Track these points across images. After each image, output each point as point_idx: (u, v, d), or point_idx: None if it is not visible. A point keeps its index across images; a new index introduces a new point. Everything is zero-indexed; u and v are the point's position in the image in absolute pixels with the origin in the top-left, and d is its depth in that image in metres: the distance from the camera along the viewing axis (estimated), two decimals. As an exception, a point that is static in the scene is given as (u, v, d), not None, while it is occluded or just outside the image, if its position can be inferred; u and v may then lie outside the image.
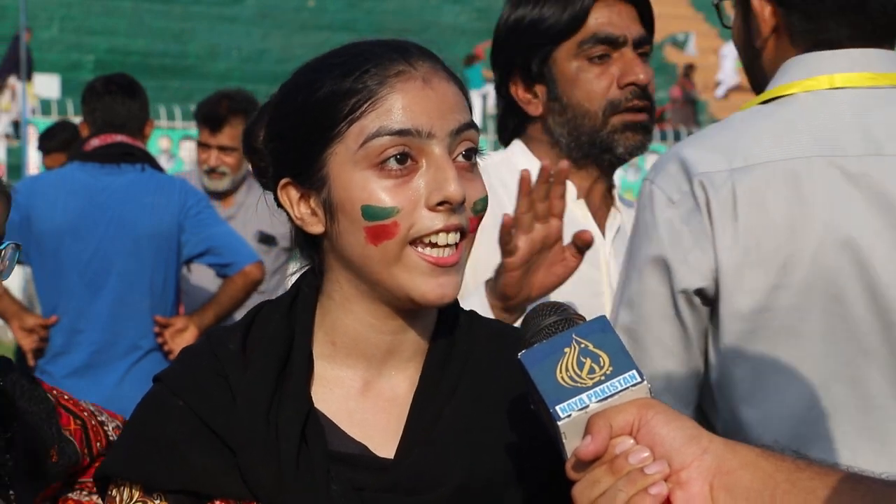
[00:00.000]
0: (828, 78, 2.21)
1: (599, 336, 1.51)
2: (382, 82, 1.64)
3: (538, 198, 2.39)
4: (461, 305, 1.78)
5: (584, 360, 1.49)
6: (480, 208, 1.68)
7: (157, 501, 1.67)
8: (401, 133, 1.62)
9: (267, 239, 5.75)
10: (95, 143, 5.07)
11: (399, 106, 1.63)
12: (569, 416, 1.47)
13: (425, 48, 1.71)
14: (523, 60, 2.75)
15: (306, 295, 1.74)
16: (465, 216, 1.65)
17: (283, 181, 1.71)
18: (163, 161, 14.33)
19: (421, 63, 1.67)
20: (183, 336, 5.01)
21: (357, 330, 1.70)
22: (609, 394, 1.47)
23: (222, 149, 5.71)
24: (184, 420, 1.67)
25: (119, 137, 5.05)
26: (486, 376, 1.70)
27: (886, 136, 2.15)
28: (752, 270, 2.13)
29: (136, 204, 4.97)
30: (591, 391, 1.47)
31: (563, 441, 1.48)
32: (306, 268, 1.77)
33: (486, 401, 1.68)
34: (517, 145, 2.81)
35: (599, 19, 2.71)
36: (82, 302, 4.96)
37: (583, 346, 1.50)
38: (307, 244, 1.74)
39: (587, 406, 1.47)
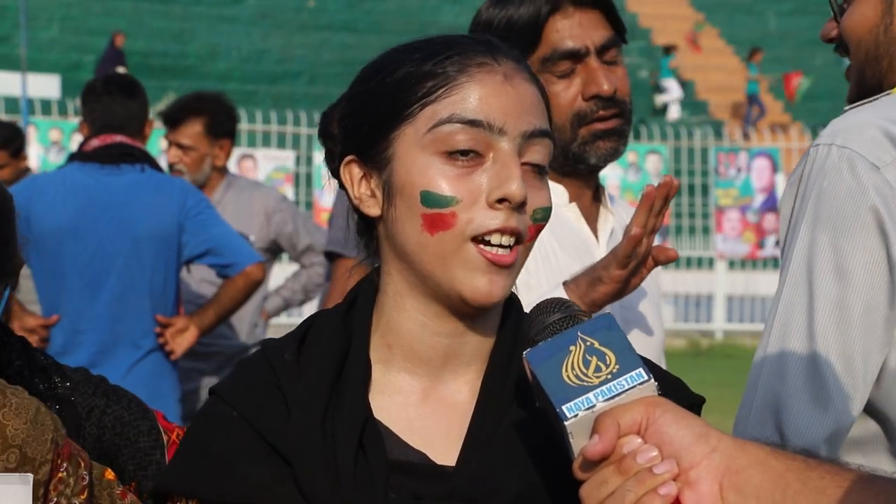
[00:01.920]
0: None
1: (605, 333, 1.48)
2: (462, 70, 1.61)
3: (653, 213, 2.44)
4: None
5: (589, 358, 1.46)
6: (541, 217, 1.63)
7: None
8: (472, 123, 1.59)
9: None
10: (95, 143, 5.05)
11: (475, 96, 1.60)
12: (575, 415, 1.44)
13: (513, 48, 1.68)
14: None
15: (365, 294, 1.70)
16: (525, 221, 1.61)
17: (348, 158, 1.68)
18: (162, 161, 14.30)
19: (505, 59, 1.64)
20: (184, 336, 4.99)
21: (411, 331, 1.66)
22: (616, 392, 1.45)
23: (179, 146, 5.78)
24: (238, 432, 1.63)
25: (119, 138, 5.03)
26: None
27: None
28: None
29: (136, 205, 4.95)
30: (598, 390, 1.45)
31: (570, 440, 1.46)
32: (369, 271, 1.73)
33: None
34: None
35: (559, 32, 2.66)
36: (82, 302, 4.93)
37: (588, 343, 1.47)
38: (365, 230, 1.71)
39: (594, 405, 1.44)
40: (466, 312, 1.64)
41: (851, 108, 2.25)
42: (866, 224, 2.08)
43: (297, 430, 1.61)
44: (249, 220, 5.76)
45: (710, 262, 18.88)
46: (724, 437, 1.44)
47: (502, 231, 1.59)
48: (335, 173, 1.73)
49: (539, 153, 1.63)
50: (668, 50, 26.95)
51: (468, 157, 1.60)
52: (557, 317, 1.53)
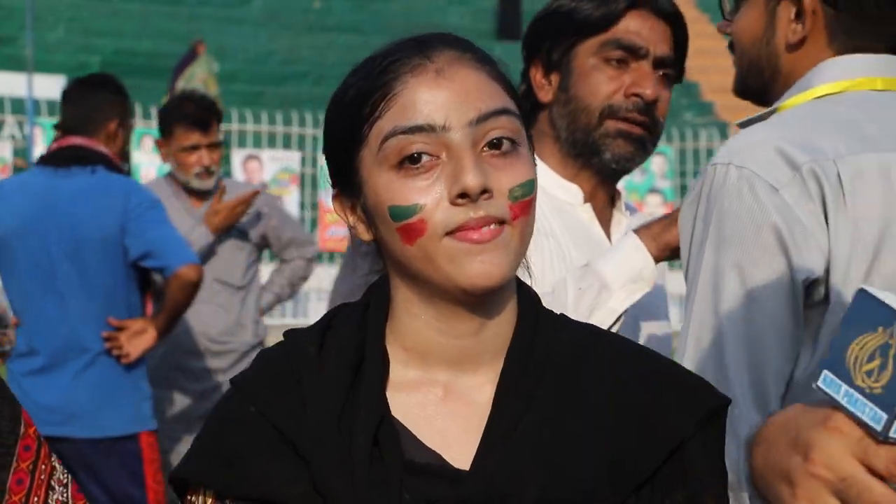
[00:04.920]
0: (870, 80, 2.19)
1: None
2: (398, 78, 1.58)
3: None
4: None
5: (875, 354, 1.23)
6: (520, 194, 1.57)
7: None
8: (412, 130, 1.56)
9: (241, 235, 5.82)
10: (54, 146, 5.07)
11: (411, 102, 1.57)
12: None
13: (453, 36, 1.64)
14: (549, 46, 2.77)
15: (377, 298, 1.68)
16: (500, 205, 1.56)
17: (334, 192, 1.67)
18: (157, 164, 14.28)
19: (438, 54, 1.60)
20: (142, 338, 4.95)
21: (425, 335, 1.63)
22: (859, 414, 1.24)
23: (211, 146, 5.73)
24: (255, 427, 1.61)
25: (76, 140, 5.01)
26: (570, 381, 1.60)
27: None
28: (856, 262, 2.05)
29: (82, 207, 4.92)
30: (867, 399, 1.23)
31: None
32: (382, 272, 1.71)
33: (569, 409, 1.58)
34: None
35: (629, 26, 2.72)
36: (37, 305, 4.93)
37: (890, 341, 1.22)
38: (376, 249, 1.70)
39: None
40: (475, 305, 1.60)
41: (745, 126, 2.25)
42: (768, 243, 2.06)
43: (313, 425, 1.58)
44: (246, 218, 5.82)
45: (716, 264, 18.85)
46: None
47: (473, 228, 1.56)
48: None
49: (499, 131, 1.58)
50: None
51: (422, 162, 1.57)
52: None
